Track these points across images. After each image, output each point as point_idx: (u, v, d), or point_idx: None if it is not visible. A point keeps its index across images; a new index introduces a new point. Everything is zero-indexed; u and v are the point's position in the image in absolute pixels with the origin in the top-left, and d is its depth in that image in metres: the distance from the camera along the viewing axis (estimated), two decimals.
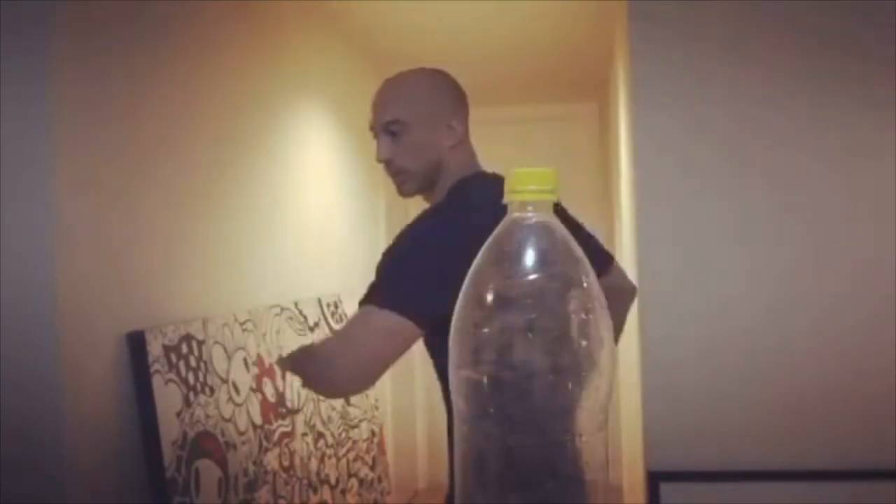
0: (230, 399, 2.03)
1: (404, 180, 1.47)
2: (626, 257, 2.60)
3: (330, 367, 1.28)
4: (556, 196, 0.66)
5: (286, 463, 2.30)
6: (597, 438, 0.62)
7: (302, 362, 1.36)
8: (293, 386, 2.42)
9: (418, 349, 1.54)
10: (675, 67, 1.85)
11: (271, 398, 2.27)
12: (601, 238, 1.66)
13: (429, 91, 1.47)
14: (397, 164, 1.46)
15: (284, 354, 1.45)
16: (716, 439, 1.83)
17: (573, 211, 1.48)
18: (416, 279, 1.27)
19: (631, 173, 2.07)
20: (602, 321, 0.63)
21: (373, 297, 1.27)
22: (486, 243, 0.65)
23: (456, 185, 1.45)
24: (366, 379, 1.28)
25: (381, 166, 1.50)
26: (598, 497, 0.62)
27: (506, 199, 0.65)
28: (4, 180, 1.49)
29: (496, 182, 0.99)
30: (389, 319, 1.24)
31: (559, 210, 0.65)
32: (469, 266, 0.63)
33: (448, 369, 0.64)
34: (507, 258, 0.63)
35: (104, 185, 1.67)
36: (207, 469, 1.87)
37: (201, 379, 1.91)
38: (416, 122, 1.44)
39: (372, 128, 1.48)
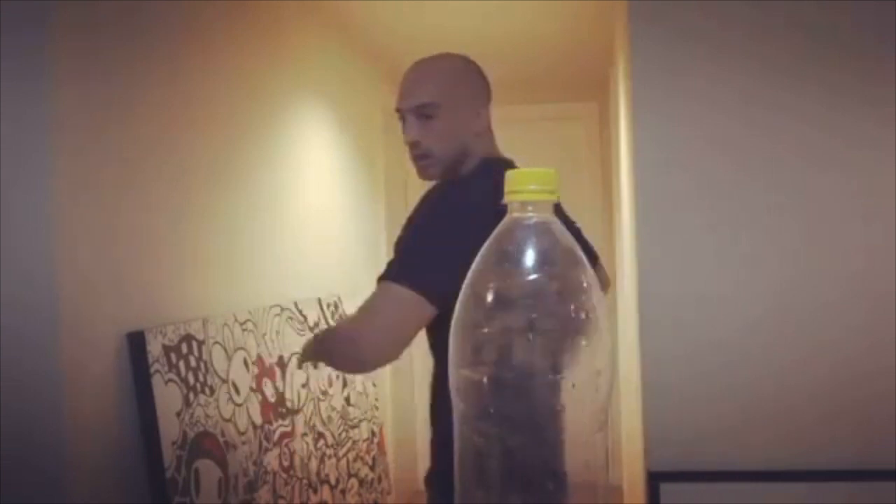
0: (230, 399, 2.03)
1: (429, 164, 1.45)
2: (626, 257, 2.60)
3: (354, 342, 1.32)
4: (557, 196, 0.66)
5: (286, 463, 2.29)
6: (597, 438, 0.62)
7: (327, 343, 1.40)
8: (293, 386, 2.42)
9: (417, 350, 1.54)
10: (675, 67, 1.85)
11: (271, 398, 2.27)
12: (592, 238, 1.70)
13: (460, 76, 1.47)
14: (424, 146, 1.44)
15: (300, 350, 1.47)
16: (716, 439, 1.82)
17: (570, 209, 1.49)
18: (429, 255, 1.29)
19: (631, 173, 2.06)
20: (602, 321, 0.63)
21: (390, 272, 1.29)
22: (487, 243, 0.65)
23: (483, 161, 1.44)
24: (388, 349, 1.30)
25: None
26: (598, 497, 0.62)
27: (506, 199, 0.65)
28: (4, 180, 1.49)
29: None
30: (403, 293, 1.27)
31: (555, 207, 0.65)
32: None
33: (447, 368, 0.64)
34: (508, 258, 0.63)
35: (104, 184, 1.67)
36: (207, 469, 1.87)
37: (201, 379, 1.90)
38: (447, 106, 1.43)
39: (398, 110, 1.46)
